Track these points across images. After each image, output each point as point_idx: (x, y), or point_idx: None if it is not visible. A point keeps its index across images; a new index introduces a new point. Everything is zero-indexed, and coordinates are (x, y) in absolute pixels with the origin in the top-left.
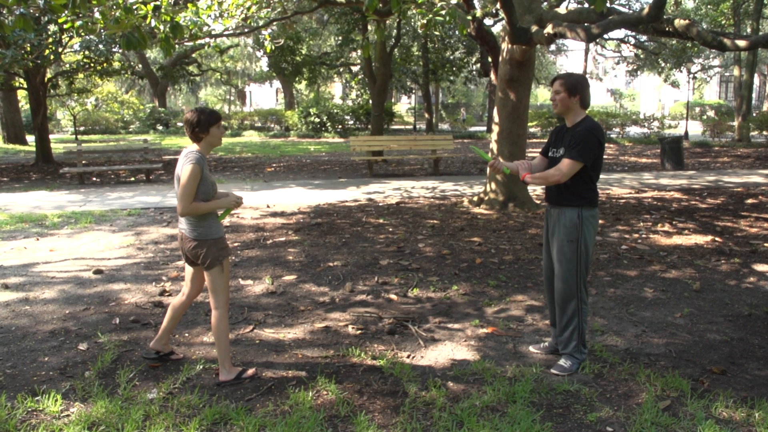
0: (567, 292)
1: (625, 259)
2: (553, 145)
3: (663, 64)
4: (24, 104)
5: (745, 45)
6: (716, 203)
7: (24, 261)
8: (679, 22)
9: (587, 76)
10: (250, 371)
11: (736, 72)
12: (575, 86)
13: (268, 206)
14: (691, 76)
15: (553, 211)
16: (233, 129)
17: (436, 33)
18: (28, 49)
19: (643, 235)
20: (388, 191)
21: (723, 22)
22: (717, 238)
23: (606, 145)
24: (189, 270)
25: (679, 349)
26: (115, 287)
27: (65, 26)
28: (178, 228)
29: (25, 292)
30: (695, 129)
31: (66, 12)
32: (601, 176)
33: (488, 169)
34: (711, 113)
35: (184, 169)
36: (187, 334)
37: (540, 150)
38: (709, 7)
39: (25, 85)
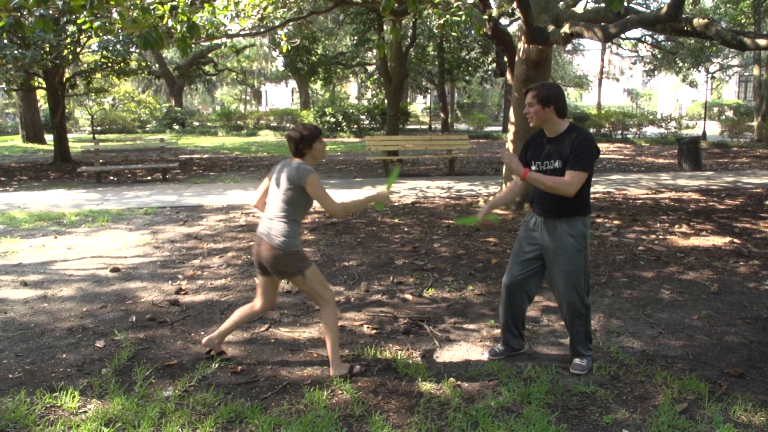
0: (577, 301)
1: (642, 260)
2: (537, 158)
3: (681, 64)
4: (43, 104)
5: (765, 44)
6: (735, 204)
7: (42, 259)
8: (697, 21)
9: (604, 75)
10: (357, 367)
11: (755, 71)
12: (548, 96)
13: None
14: (710, 75)
15: (551, 223)
16: (249, 128)
17: (452, 33)
18: (48, 49)
19: (660, 236)
20: (404, 191)
21: (743, 21)
22: (735, 240)
23: (623, 145)
24: (261, 280)
25: (697, 352)
26: (132, 285)
27: (84, 27)
28: (257, 235)
29: (43, 289)
30: (713, 129)
31: (84, 13)
32: (618, 177)
33: (504, 170)
34: (729, 113)
35: (309, 179)
36: (203, 333)
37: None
38: (728, 5)
39: (44, 85)
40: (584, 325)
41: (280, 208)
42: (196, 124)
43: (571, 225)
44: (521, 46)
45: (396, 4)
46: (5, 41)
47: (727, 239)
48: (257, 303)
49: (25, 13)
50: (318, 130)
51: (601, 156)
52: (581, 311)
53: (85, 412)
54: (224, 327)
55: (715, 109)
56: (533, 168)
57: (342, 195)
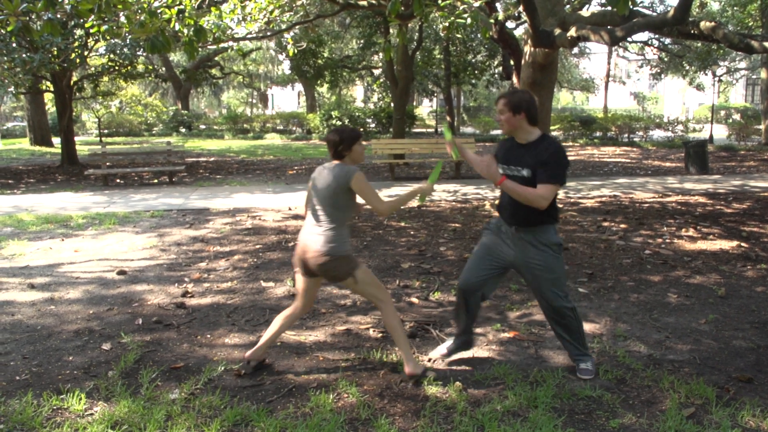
0: (566, 306)
1: (649, 264)
2: (505, 162)
3: (687, 67)
4: (50, 107)
5: None
6: (742, 208)
7: (49, 261)
8: (704, 25)
9: (610, 78)
10: (432, 373)
11: (763, 74)
12: (519, 104)
13: (289, 209)
14: (717, 78)
15: (522, 233)
16: (255, 132)
17: (458, 36)
18: (55, 52)
19: (667, 240)
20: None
21: (750, 24)
22: (743, 244)
23: (629, 148)
24: (302, 281)
25: (704, 356)
26: (138, 288)
27: (91, 30)
28: (300, 239)
29: (50, 292)
30: (720, 132)
31: (92, 16)
32: (625, 180)
33: None
34: (737, 116)
35: (355, 178)
36: (209, 335)
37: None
38: (735, 8)
39: (52, 88)
40: (578, 325)
41: (326, 213)
42: (202, 127)
43: (543, 234)
44: (527, 49)
45: (402, 8)
46: (14, 45)
47: (735, 243)
48: (298, 304)
49: (33, 17)
50: (358, 132)
51: (607, 160)
52: (570, 314)
53: (92, 414)
54: (268, 336)
55: (722, 113)
56: (500, 171)
57: None
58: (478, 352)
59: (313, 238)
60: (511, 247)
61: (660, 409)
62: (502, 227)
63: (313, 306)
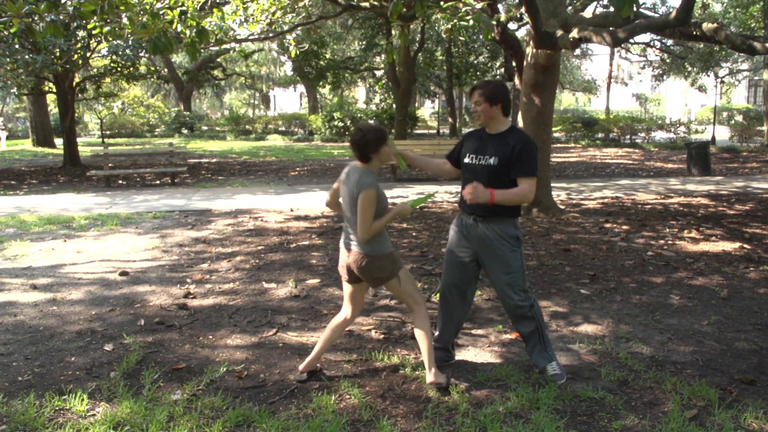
0: (518, 301)
1: (651, 266)
2: (472, 152)
3: (690, 68)
4: (53, 108)
5: None
6: (744, 209)
7: (52, 262)
8: (707, 26)
9: (613, 80)
10: (451, 379)
11: (765, 76)
12: (495, 95)
13: (291, 210)
14: (719, 80)
15: (483, 226)
16: (257, 133)
17: (461, 37)
18: (58, 54)
19: (669, 242)
20: (412, 196)
21: (752, 25)
22: (745, 245)
23: (631, 150)
24: (348, 288)
25: (707, 358)
26: (141, 289)
27: (94, 32)
28: (342, 246)
29: (52, 292)
30: (723, 134)
31: (95, 18)
32: (627, 182)
33: None
34: (739, 118)
35: (363, 194)
36: (211, 337)
37: (447, 155)
38: (737, 10)
39: (54, 90)
40: (535, 327)
41: (355, 215)
42: (204, 128)
43: (501, 228)
44: (530, 50)
45: (404, 9)
46: (17, 46)
47: (737, 245)
48: (347, 312)
49: (36, 18)
50: (384, 132)
51: (610, 161)
52: (525, 313)
53: (94, 415)
54: (319, 347)
55: (725, 114)
56: (466, 161)
57: None
58: (480, 353)
59: (352, 241)
60: (471, 238)
61: (662, 410)
62: (464, 220)
63: (361, 310)
